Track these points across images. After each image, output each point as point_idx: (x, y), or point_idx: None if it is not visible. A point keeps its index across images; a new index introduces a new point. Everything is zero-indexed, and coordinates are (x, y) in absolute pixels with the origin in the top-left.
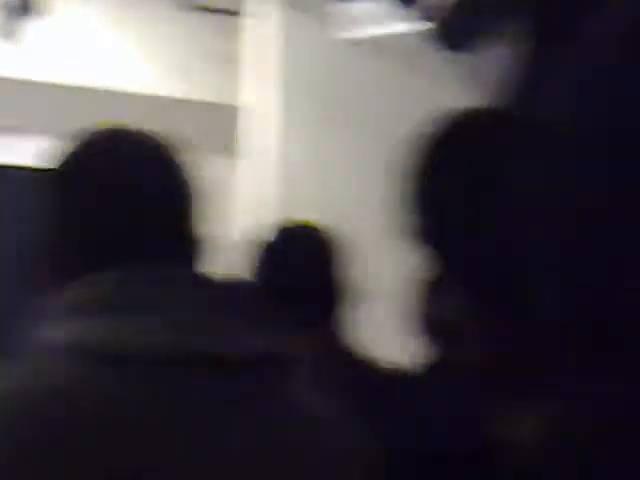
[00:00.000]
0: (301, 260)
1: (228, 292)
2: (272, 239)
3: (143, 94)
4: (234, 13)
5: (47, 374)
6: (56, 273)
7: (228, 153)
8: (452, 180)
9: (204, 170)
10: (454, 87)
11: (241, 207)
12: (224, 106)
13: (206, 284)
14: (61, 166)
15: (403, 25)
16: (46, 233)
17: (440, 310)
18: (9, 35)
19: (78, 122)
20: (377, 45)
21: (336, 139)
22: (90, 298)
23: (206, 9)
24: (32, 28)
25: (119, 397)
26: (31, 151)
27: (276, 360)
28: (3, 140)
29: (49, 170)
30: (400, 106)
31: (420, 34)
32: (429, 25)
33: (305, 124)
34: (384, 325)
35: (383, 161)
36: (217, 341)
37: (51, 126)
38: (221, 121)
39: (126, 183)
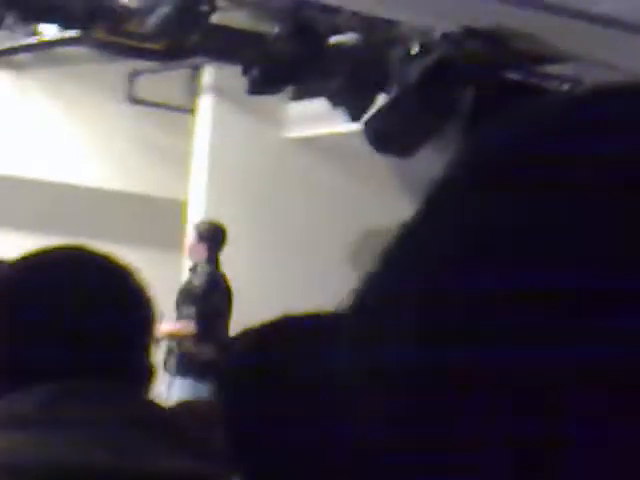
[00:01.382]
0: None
1: (155, 412)
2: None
3: (89, 187)
4: (179, 108)
5: None
6: None
7: (175, 247)
8: None
9: (150, 268)
10: (391, 190)
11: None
12: (170, 200)
13: (137, 404)
14: (7, 280)
15: (346, 125)
16: None
17: None
18: None
19: (27, 215)
20: (318, 144)
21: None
22: (11, 414)
23: (152, 104)
24: None
25: None
26: None
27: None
28: None
29: None
30: (331, 208)
31: (361, 135)
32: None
33: (232, 220)
34: None
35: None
36: (143, 459)
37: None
38: (167, 215)
39: (72, 302)
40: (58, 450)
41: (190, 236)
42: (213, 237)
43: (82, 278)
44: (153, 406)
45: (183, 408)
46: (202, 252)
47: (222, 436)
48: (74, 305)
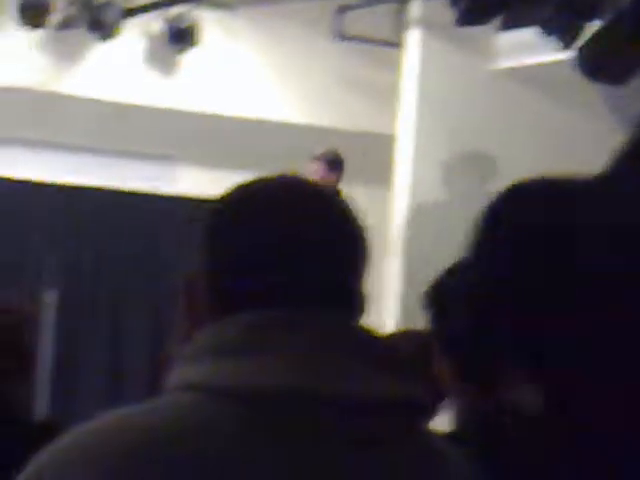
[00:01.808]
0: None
1: (363, 339)
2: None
3: (293, 123)
4: (386, 43)
5: (177, 413)
6: (194, 312)
7: (381, 183)
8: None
9: (359, 204)
10: (601, 120)
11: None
12: (378, 135)
13: (347, 332)
14: (226, 204)
15: (556, 54)
16: (198, 264)
17: None
18: (164, 66)
19: (230, 151)
20: (527, 74)
21: (464, 176)
22: (221, 340)
23: (359, 39)
24: (185, 59)
25: (246, 437)
26: (188, 180)
27: (408, 404)
28: (160, 169)
29: (212, 202)
30: (540, 141)
31: (571, 63)
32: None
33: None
34: None
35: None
36: (345, 384)
37: (204, 155)
38: (373, 151)
39: (287, 232)
40: (266, 374)
41: (316, 165)
42: (340, 167)
43: (300, 202)
44: (368, 333)
45: (401, 336)
46: (332, 181)
47: (432, 364)
48: (292, 228)
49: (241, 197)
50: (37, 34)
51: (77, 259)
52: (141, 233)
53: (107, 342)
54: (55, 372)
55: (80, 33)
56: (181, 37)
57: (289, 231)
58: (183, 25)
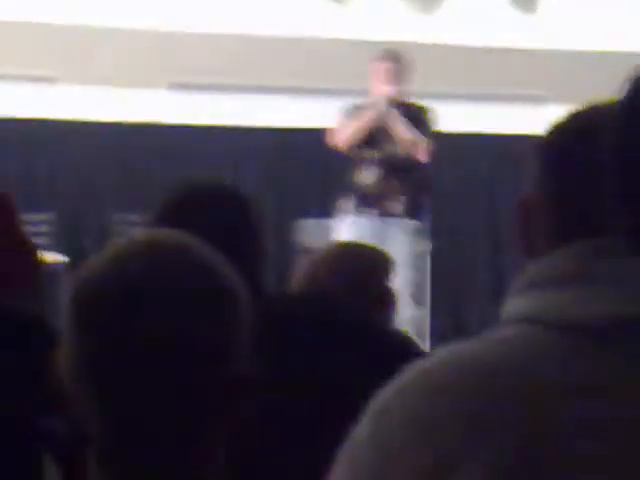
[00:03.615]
0: None
1: None
2: None
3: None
4: None
5: (506, 346)
6: (531, 244)
7: None
8: None
9: None
10: None
11: None
12: None
13: None
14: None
15: None
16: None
17: None
18: (525, 6)
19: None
20: None
21: None
22: (550, 273)
23: None
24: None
25: (580, 368)
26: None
27: None
28: (504, 109)
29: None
30: None
31: None
32: None
33: None
34: None
35: None
36: None
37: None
38: None
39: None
40: (601, 303)
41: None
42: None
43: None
44: None
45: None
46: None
47: None
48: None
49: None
50: None
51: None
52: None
53: None
54: None
55: None
56: None
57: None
58: None
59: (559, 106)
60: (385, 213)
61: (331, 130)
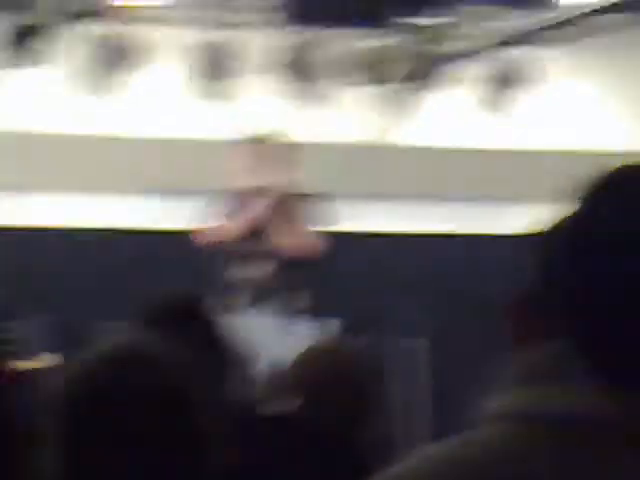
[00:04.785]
0: None
1: None
2: None
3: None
4: None
5: (492, 442)
6: (521, 333)
7: None
8: None
9: None
10: None
11: None
12: None
13: None
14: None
15: None
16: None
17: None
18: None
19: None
20: None
21: None
22: (546, 366)
23: None
24: (522, 99)
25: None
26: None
27: None
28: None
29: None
30: None
31: None
32: None
33: None
34: None
35: None
36: None
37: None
38: None
39: None
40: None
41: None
42: None
43: None
44: None
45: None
46: None
47: None
48: None
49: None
50: (380, 90)
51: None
52: None
53: None
54: None
55: (415, 87)
56: (511, 79)
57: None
58: (512, 67)
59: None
60: (285, 308)
61: (203, 229)
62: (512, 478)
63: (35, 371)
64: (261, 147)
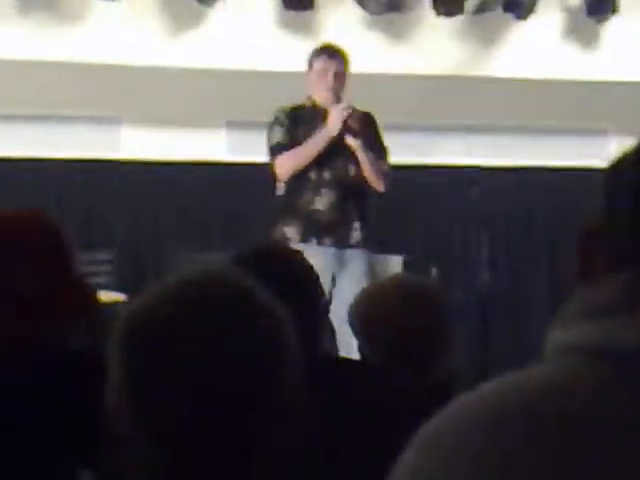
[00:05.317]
0: None
1: None
2: None
3: None
4: None
5: (556, 377)
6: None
7: None
8: None
9: None
10: None
11: None
12: None
13: None
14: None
15: None
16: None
17: None
18: (584, 39)
19: None
20: None
21: None
22: (616, 299)
23: None
24: (605, 30)
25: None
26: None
27: None
28: (590, 143)
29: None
30: None
31: None
32: None
33: None
34: None
35: None
36: None
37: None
38: None
39: None
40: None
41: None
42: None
43: None
44: None
45: None
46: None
47: None
48: None
49: None
50: (454, 22)
51: None
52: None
53: None
54: None
55: (496, 15)
56: (600, 7)
57: None
58: None
59: (620, 139)
60: (342, 243)
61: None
62: (576, 414)
63: (117, 304)
64: (336, 63)
